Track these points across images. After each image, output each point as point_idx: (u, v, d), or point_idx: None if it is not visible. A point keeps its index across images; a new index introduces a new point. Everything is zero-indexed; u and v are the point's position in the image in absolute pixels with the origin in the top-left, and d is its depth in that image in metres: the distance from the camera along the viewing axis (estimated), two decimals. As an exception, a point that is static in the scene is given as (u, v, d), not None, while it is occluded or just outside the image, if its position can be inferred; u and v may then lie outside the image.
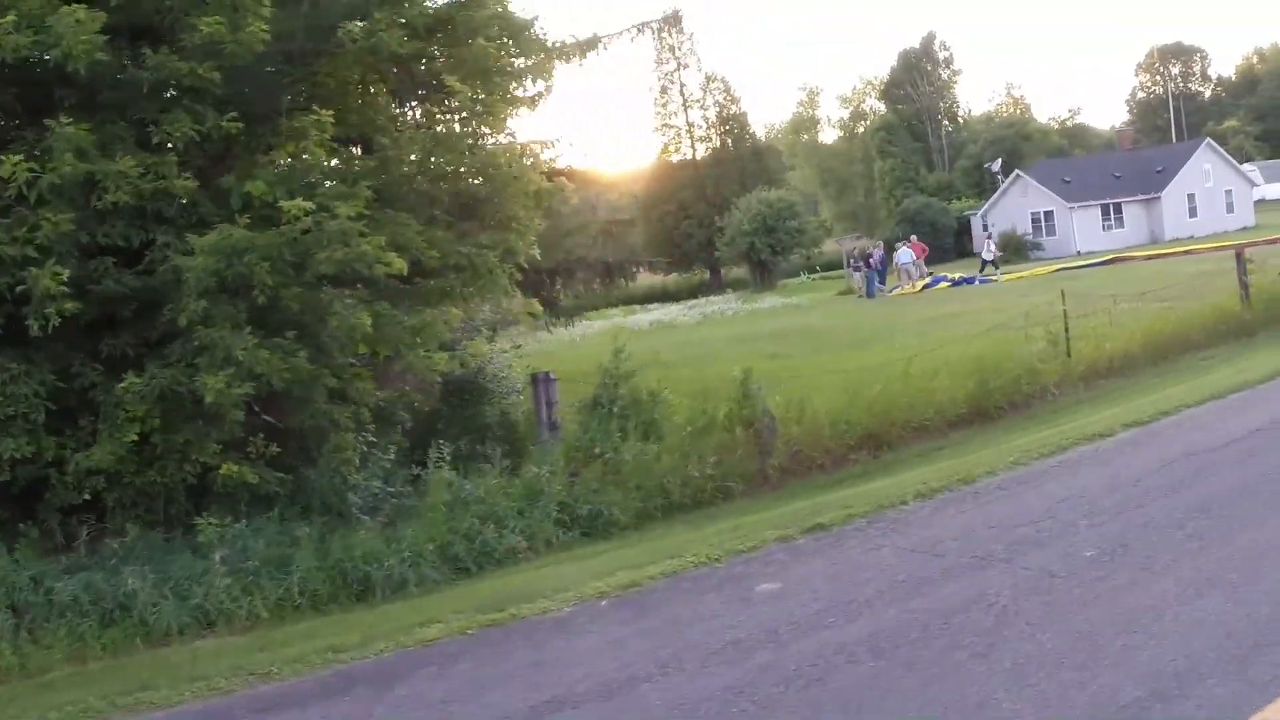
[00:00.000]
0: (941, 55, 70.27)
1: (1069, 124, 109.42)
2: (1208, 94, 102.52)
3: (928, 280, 33.03)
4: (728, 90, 53.15)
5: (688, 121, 52.73)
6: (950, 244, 51.02)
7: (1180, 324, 13.87)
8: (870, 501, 7.28)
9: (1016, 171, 45.76)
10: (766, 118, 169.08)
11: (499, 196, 9.62)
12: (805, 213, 45.71)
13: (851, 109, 79.45)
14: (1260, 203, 69.42)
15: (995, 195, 46.38)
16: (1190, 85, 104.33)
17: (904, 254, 33.64)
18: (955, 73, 70.85)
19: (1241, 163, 75.89)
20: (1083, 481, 7.00)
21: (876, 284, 32.82)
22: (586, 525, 8.92)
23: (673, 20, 51.21)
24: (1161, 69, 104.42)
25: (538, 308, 12.50)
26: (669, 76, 52.79)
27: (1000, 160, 48.18)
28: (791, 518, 7.30)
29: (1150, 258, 32.92)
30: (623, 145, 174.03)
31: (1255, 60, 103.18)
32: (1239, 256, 14.92)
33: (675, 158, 53.40)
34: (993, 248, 35.21)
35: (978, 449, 9.57)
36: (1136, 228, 43.41)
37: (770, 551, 6.42)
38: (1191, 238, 42.92)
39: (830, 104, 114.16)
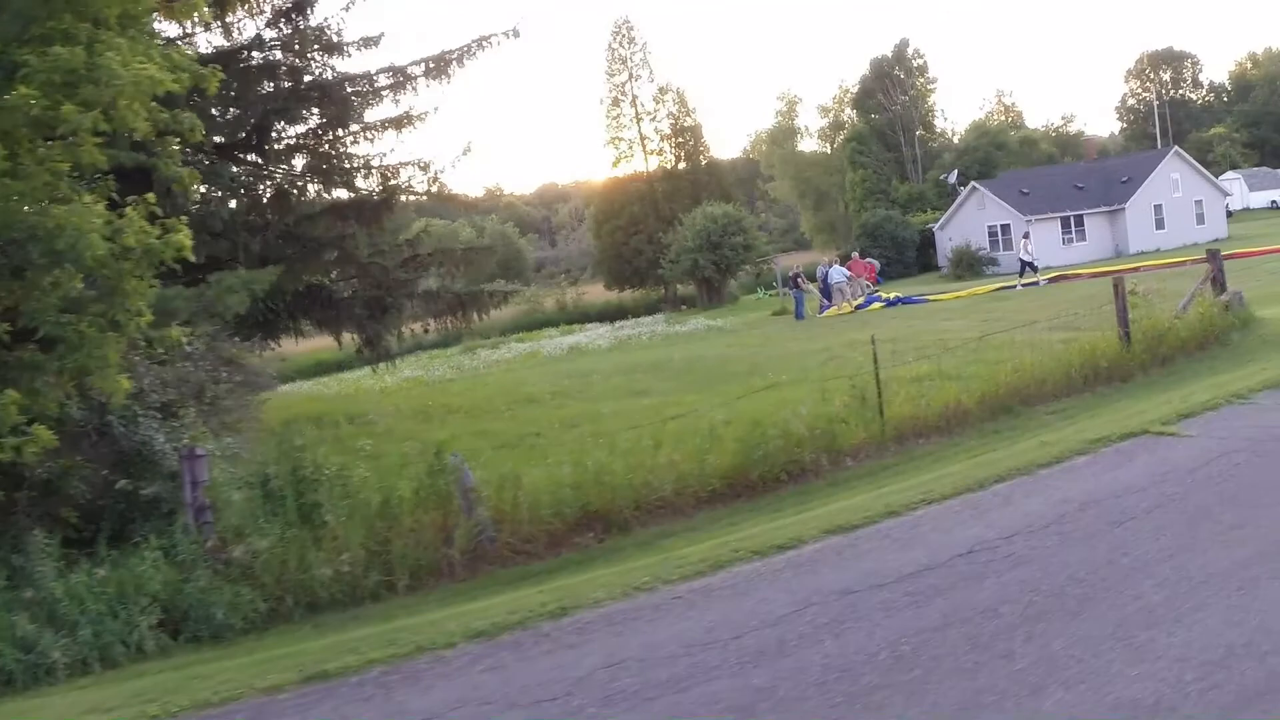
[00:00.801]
0: (915, 63, 68.26)
1: (1062, 131, 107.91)
2: (1199, 100, 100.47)
3: (860, 301, 31.06)
4: (682, 101, 51.36)
5: (640, 134, 50.90)
6: (913, 258, 49.09)
7: (1042, 367, 11.88)
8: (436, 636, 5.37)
9: (973, 183, 43.73)
10: (751, 126, 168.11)
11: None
12: (756, 227, 43.68)
13: (831, 118, 77.65)
14: (1244, 211, 67.36)
15: (952, 208, 44.39)
16: (1181, 91, 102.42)
17: (836, 272, 31.68)
18: (930, 81, 68.84)
19: (1226, 170, 73.94)
20: (679, 630, 5.06)
21: (815, 303, 31.03)
22: (197, 629, 7.27)
23: (623, 30, 49.51)
24: (1151, 75, 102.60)
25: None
26: (620, 88, 50.98)
27: (956, 172, 46.17)
28: (325, 652, 5.43)
29: (1095, 275, 30.88)
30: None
31: (1249, 65, 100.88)
32: (1117, 288, 12.89)
33: (627, 171, 51.54)
34: (1030, 249, 33.02)
35: (690, 540, 7.67)
36: (1099, 241, 41.37)
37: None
38: (1158, 251, 40.91)
39: (810, 113, 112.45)
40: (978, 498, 7.03)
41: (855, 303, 31.02)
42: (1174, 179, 43.58)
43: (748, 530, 7.71)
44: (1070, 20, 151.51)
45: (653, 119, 50.64)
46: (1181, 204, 43.53)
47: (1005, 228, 41.11)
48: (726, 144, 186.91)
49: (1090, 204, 41.81)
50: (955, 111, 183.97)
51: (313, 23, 17.46)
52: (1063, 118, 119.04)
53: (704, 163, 51.24)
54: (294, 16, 17.32)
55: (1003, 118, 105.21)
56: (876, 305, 30.44)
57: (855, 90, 69.13)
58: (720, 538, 7.50)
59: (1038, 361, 12.09)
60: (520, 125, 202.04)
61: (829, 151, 75.59)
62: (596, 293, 55.87)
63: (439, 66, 19.24)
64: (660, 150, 50.93)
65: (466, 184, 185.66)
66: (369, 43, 19.49)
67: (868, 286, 33.84)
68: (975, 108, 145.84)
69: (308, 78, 17.69)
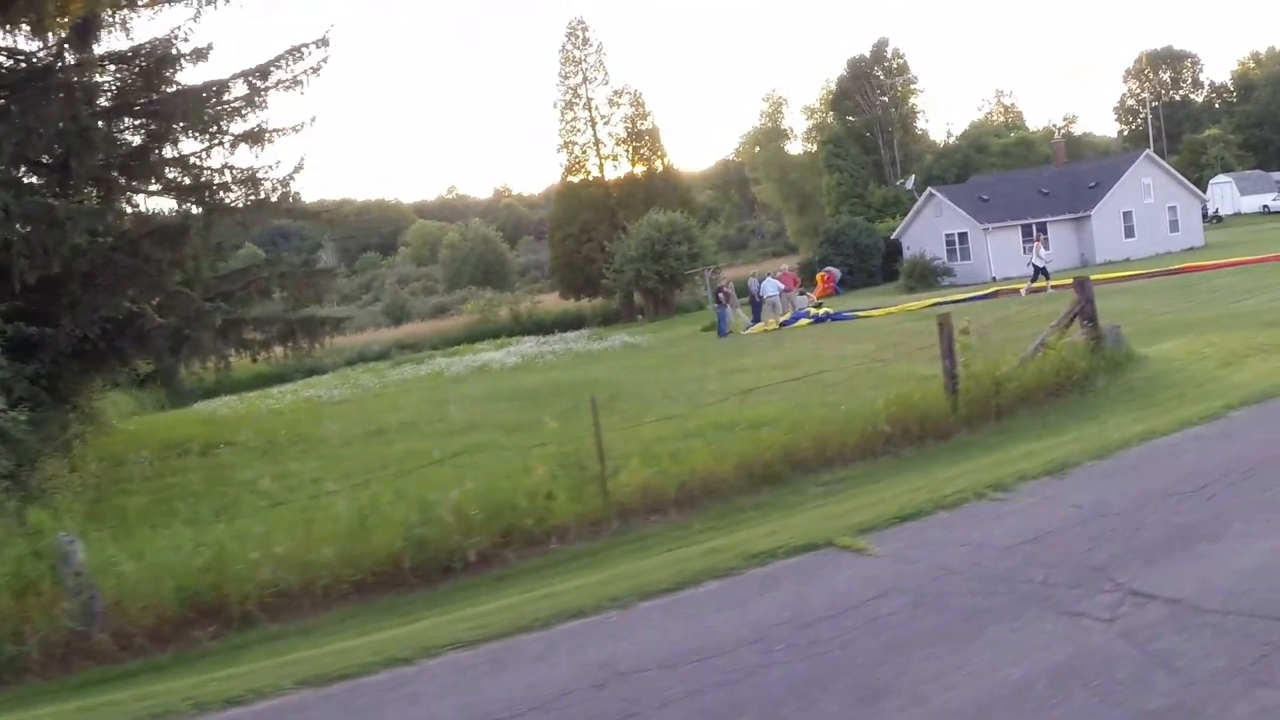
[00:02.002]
0: (895, 63, 66.14)
1: (1064, 133, 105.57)
2: (1199, 101, 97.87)
3: (786, 317, 29.13)
4: (639, 104, 49.39)
5: (595, 138, 48.93)
6: (878, 267, 47.07)
7: (831, 424, 9.95)
8: None
9: (929, 189, 41.56)
10: (744, 129, 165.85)
11: None
12: (704, 236, 41.61)
13: (816, 120, 75.55)
14: (1235, 216, 64.88)
15: (909, 215, 42.32)
16: (1180, 92, 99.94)
17: (768, 285, 29.72)
18: (910, 81, 66.67)
19: (1219, 173, 71.41)
20: None
21: (741, 320, 29.15)
22: None
23: (577, 31, 47.72)
24: (1150, 75, 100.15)
25: None
26: (574, 90, 49.03)
27: (914, 177, 44.09)
28: None
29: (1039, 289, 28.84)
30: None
31: (1251, 65, 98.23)
32: (942, 327, 10.91)
33: (579, 177, 49.59)
34: (1044, 253, 30.54)
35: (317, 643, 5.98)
36: (1064, 250, 39.20)
37: None
38: (1127, 260, 38.75)
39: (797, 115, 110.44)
40: (521, 643, 5.23)
41: (781, 318, 29.11)
42: (1145, 184, 41.36)
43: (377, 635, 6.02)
44: (1076, 20, 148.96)
45: (607, 122, 48.78)
46: (1153, 210, 41.32)
47: (963, 236, 38.98)
48: (717, 148, 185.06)
49: (1055, 211, 39.64)
50: (954, 113, 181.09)
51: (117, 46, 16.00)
52: (1064, 118, 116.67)
53: (661, 168, 49.28)
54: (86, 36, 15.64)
55: (1002, 118, 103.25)
56: (804, 322, 28.53)
57: (833, 91, 67.08)
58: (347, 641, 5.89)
59: (829, 417, 10.16)
60: (522, 126, 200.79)
61: (813, 153, 73.61)
62: (554, 302, 54.17)
63: (261, 78, 18.03)
64: (615, 155, 49.08)
65: (474, 186, 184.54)
66: (199, 55, 18.13)
67: (799, 300, 31.95)
68: (974, 108, 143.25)
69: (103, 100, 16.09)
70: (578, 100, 48.92)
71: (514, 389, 21.15)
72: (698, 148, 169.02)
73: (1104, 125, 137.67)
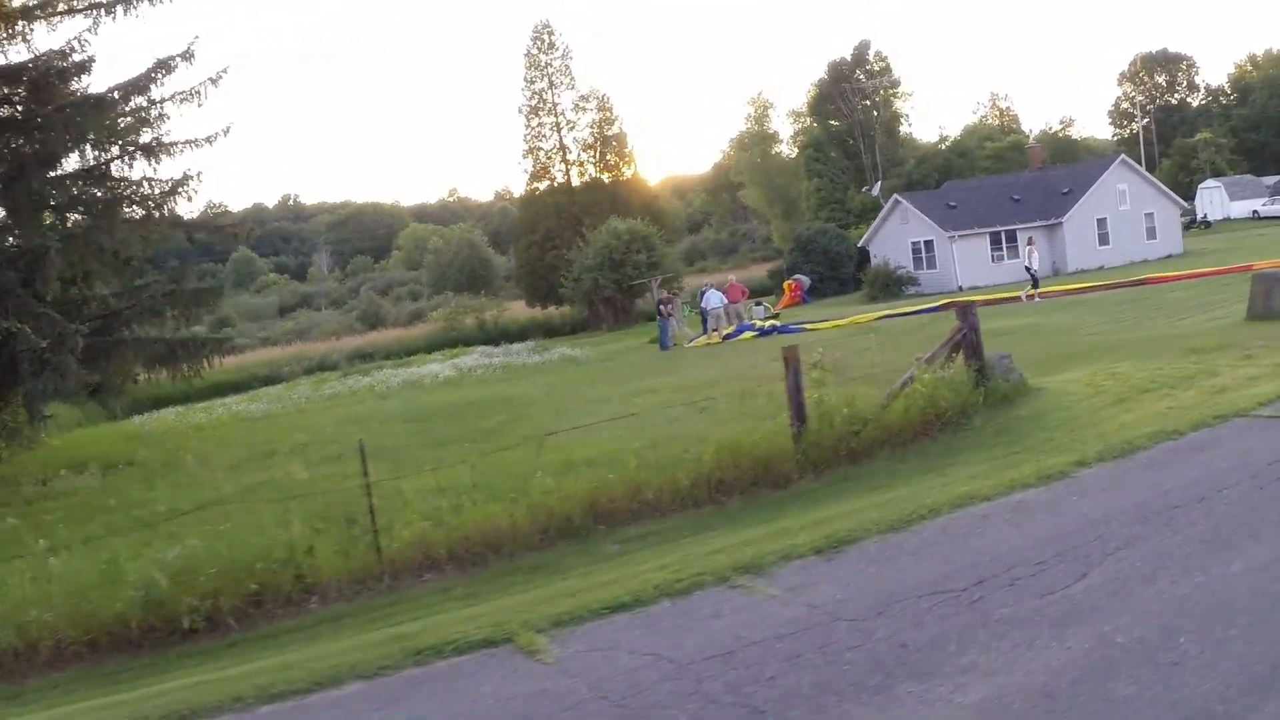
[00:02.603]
0: (877, 66, 64.86)
1: (1059, 136, 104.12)
2: (1195, 104, 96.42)
3: (730, 330, 27.91)
4: (605, 109, 48.13)
5: (561, 143, 47.69)
6: (849, 274, 45.77)
7: (644, 471, 8.75)
8: None
9: (895, 196, 40.22)
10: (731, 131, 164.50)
11: None
12: (665, 245, 40.30)
13: (802, 124, 74.31)
14: (1225, 221, 63.40)
15: (875, 223, 41.02)
16: (1176, 95, 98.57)
17: (710, 298, 28.50)
18: (894, 84, 65.37)
19: (1209, 178, 69.91)
20: None
21: (693, 331, 28.00)
22: None
23: (543, 35, 46.59)
24: (1145, 78, 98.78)
25: None
26: (539, 95, 47.78)
27: (880, 184, 42.78)
28: None
29: (995, 301, 27.59)
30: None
31: (1249, 68, 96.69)
32: (787, 361, 9.65)
33: (545, 184, 48.34)
34: (1036, 257, 28.67)
35: None
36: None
37: None
38: (1101, 269, 37.49)
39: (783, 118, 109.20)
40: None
41: (725, 331, 27.90)
42: (1121, 190, 40.03)
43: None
44: (1077, 20, 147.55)
45: (572, 128, 47.54)
46: (1129, 217, 39.97)
47: (929, 244, 37.65)
48: (710, 151, 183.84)
49: (1026, 218, 38.31)
50: (950, 116, 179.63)
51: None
52: (1062, 121, 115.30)
53: (627, 175, 48.08)
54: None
55: (997, 121, 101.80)
56: (748, 335, 27.33)
57: (815, 94, 65.84)
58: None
59: (657, 461, 8.96)
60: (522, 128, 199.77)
61: (795, 158, 72.46)
62: (522, 309, 53.00)
63: (139, 92, 17.31)
64: (579, 161, 47.81)
65: (475, 189, 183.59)
66: (81, 69, 17.41)
67: (756, 310, 30.75)
68: (969, 111, 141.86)
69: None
70: (543, 105, 47.70)
71: (424, 408, 20.10)
72: (693, 150, 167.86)
73: (1103, 128, 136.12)
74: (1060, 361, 14.04)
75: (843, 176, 61.02)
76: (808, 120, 66.64)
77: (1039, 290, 27.38)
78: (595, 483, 8.43)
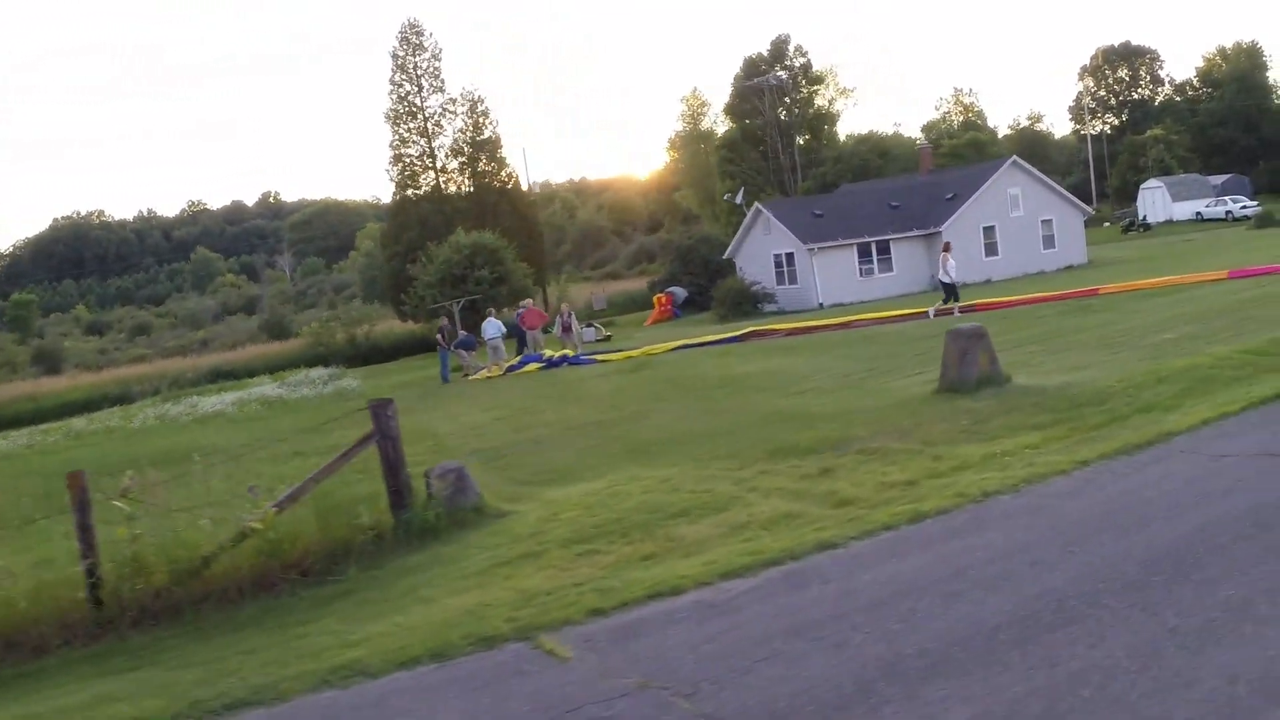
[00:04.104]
0: (797, 62, 61.52)
1: (1026, 131, 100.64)
2: (1159, 99, 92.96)
3: (513, 361, 24.76)
4: (476, 113, 44.79)
5: (429, 149, 44.38)
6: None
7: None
8: None
9: (756, 205, 36.82)
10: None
11: None
12: (514, 260, 36.95)
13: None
14: (1166, 224, 59.95)
15: (739, 234, 37.72)
16: (1139, 91, 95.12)
17: (490, 326, 25.33)
18: (814, 81, 61.97)
19: (1157, 176, 66.42)
20: None
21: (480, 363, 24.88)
22: None
23: (409, 36, 43.32)
24: (1108, 72, 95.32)
25: None
26: (405, 100, 44.48)
27: (742, 190, 39.46)
28: None
29: (802, 330, 24.33)
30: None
31: (1218, 60, 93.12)
32: (72, 487, 6.48)
33: (415, 192, 45.03)
34: (950, 267, 24.28)
35: None
36: (910, 271, 34.66)
37: None
38: (989, 282, 34.13)
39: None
40: None
41: (508, 363, 24.74)
42: (1012, 195, 36.71)
43: None
44: (1044, 16, 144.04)
45: (440, 133, 44.25)
46: (1022, 224, 36.67)
47: (789, 257, 34.34)
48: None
49: (901, 227, 34.99)
50: (911, 113, 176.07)
51: None
52: (1029, 117, 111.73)
53: (501, 182, 44.74)
54: None
55: (960, 117, 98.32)
56: (533, 366, 24.18)
57: (732, 93, 62.48)
58: None
59: None
60: (510, 124, 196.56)
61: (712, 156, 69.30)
62: (402, 325, 49.61)
63: None
64: (445, 168, 44.49)
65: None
66: None
67: (578, 337, 27.56)
68: (931, 108, 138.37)
69: None
70: (410, 110, 44.42)
71: (135, 456, 16.95)
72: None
73: (1061, 125, 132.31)
74: (599, 463, 10.32)
75: (758, 178, 57.67)
76: (725, 119, 63.43)
77: (959, 304, 23.44)
78: None
